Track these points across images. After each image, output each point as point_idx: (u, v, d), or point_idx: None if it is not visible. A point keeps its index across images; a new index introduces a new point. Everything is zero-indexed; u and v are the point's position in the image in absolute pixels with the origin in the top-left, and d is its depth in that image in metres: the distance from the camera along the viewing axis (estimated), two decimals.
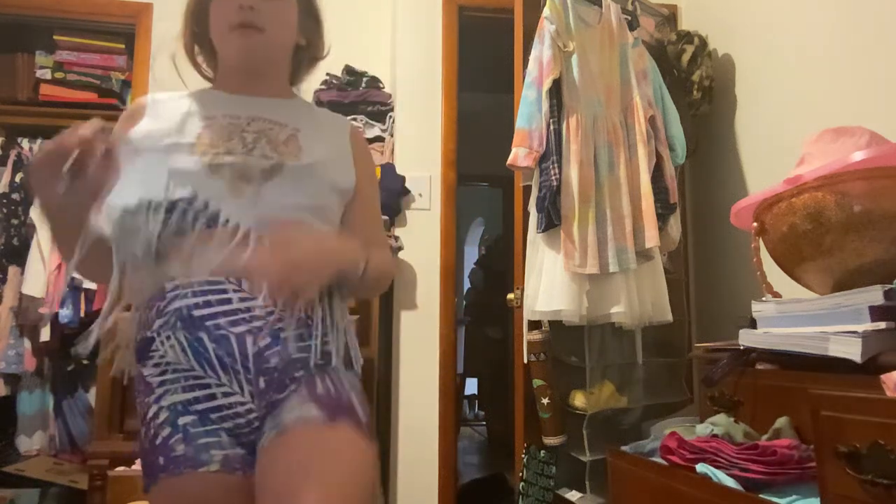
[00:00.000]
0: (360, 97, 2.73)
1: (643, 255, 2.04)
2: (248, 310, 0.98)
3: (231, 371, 0.98)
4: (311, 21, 1.21)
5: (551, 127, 1.96)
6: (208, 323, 0.97)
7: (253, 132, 1.09)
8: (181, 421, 0.97)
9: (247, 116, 1.11)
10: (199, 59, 1.21)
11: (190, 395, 0.98)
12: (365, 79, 2.77)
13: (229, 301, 0.98)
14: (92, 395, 2.75)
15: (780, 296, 1.45)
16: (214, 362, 0.97)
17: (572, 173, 1.94)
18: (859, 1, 1.84)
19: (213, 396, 0.99)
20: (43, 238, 2.70)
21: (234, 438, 0.99)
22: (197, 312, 0.97)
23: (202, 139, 1.07)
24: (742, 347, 1.41)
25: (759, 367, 1.38)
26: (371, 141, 2.72)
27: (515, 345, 2.16)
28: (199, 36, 1.17)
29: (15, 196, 2.80)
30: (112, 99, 2.99)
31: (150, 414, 0.99)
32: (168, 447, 0.96)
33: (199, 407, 0.98)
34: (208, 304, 0.98)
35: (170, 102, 1.14)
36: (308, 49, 1.23)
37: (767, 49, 2.24)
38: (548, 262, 1.95)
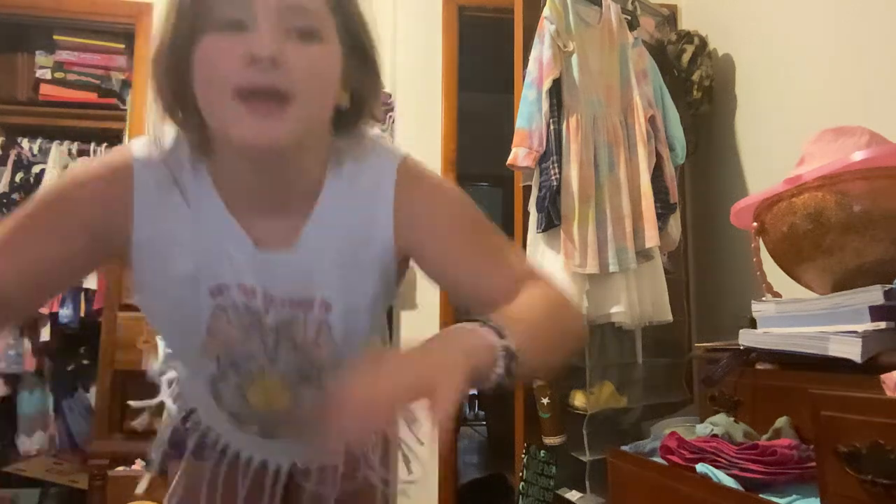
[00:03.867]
0: None
1: (643, 254, 2.04)
2: None
3: None
4: (362, 66, 0.78)
5: (551, 127, 1.96)
6: None
7: (273, 326, 0.80)
8: None
9: (262, 290, 0.79)
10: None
11: None
12: None
13: None
14: (92, 395, 2.75)
15: (780, 296, 1.45)
16: None
17: (572, 173, 1.94)
18: (859, 1, 1.84)
19: None
20: None
21: None
22: None
23: (213, 332, 0.80)
24: (742, 347, 1.41)
25: (759, 367, 1.37)
26: None
27: None
28: (181, 95, 0.71)
29: (15, 196, 2.80)
30: (112, 99, 2.99)
31: None
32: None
33: None
34: None
35: (162, 196, 0.76)
36: (355, 109, 0.79)
37: (767, 49, 2.23)
38: (548, 262, 1.95)
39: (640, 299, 2.02)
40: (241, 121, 0.66)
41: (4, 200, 2.78)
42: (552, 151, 1.94)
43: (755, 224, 1.44)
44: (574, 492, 1.99)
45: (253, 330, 0.79)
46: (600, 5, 2.15)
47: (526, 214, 2.08)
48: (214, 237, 0.76)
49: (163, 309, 0.82)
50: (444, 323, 2.64)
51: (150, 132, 0.77)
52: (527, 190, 2.07)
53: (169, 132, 0.77)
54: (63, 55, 2.96)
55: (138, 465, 2.08)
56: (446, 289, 0.87)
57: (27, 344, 2.74)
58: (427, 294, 2.65)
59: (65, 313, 2.66)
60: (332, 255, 0.79)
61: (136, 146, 0.78)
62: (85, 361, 2.81)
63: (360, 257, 0.80)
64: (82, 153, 2.98)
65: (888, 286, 1.11)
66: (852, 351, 1.09)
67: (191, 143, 0.75)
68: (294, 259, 0.78)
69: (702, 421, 1.42)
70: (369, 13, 0.81)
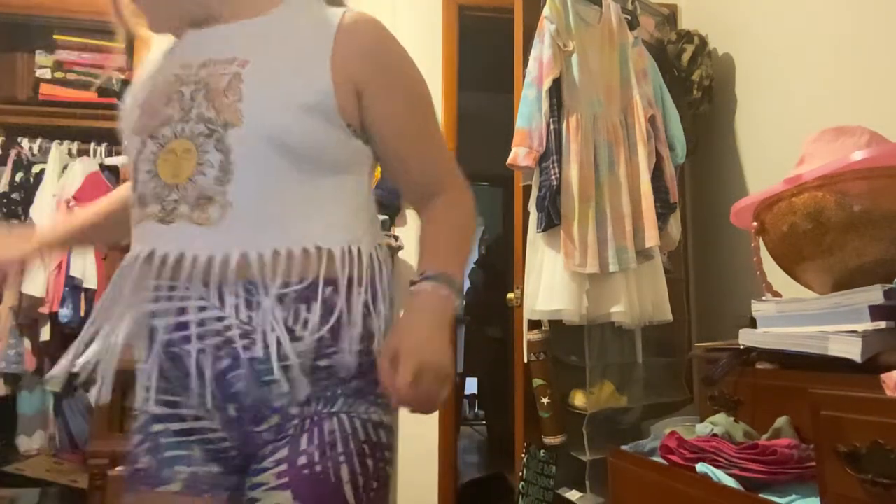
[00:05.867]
0: None
1: (643, 254, 2.04)
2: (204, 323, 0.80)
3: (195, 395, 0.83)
4: None
5: (551, 126, 1.96)
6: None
7: (193, 83, 0.85)
8: (153, 428, 0.87)
9: (199, 62, 0.86)
10: None
11: (160, 411, 0.87)
12: None
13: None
14: (92, 395, 2.75)
15: (780, 295, 1.45)
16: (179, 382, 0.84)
17: (572, 173, 1.94)
18: (859, 1, 1.84)
19: (182, 418, 0.86)
20: None
21: (207, 454, 0.86)
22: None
23: (142, 108, 0.88)
24: (742, 347, 1.41)
25: (759, 366, 1.37)
26: None
27: (515, 344, 2.16)
28: None
29: (15, 196, 2.80)
30: (112, 98, 2.99)
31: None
32: (133, 457, 0.88)
33: (173, 427, 0.87)
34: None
35: (151, 55, 0.95)
36: None
37: (767, 49, 2.24)
38: (548, 262, 1.95)
39: (640, 299, 2.02)
40: None
41: (4, 200, 2.78)
42: (552, 151, 1.94)
43: (755, 224, 1.44)
44: (574, 492, 1.99)
45: (174, 95, 0.85)
46: (600, 5, 2.15)
47: (526, 214, 2.08)
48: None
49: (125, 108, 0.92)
50: None
51: None
52: (527, 189, 2.07)
53: None
54: (63, 55, 2.96)
55: None
56: (384, 161, 0.94)
57: (27, 344, 2.74)
58: None
59: (65, 313, 2.66)
60: (270, 44, 0.87)
61: None
62: None
63: (296, 50, 0.86)
64: (82, 153, 2.98)
65: (888, 286, 1.11)
66: (852, 351, 1.09)
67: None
68: (230, 29, 0.89)
69: (702, 421, 1.42)
70: None
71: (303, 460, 0.80)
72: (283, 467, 0.80)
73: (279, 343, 0.79)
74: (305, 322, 0.81)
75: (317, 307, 0.81)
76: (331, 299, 0.82)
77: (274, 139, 0.81)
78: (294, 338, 0.80)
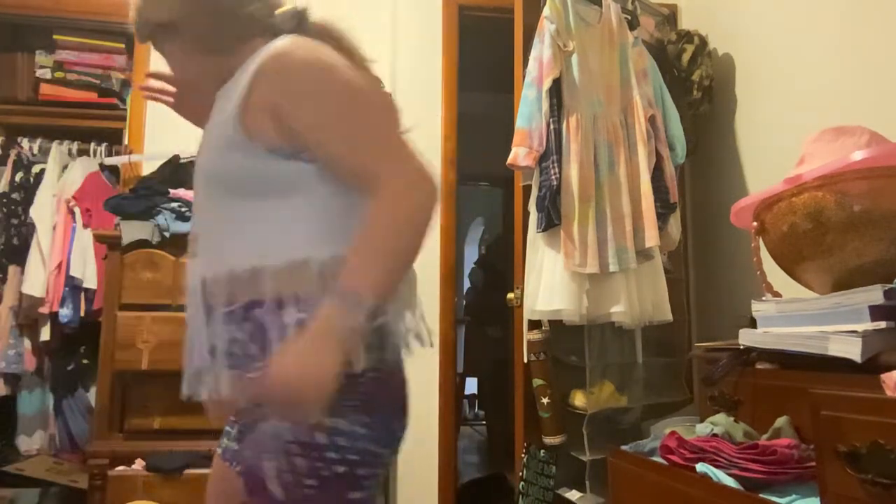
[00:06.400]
0: None
1: (643, 254, 2.04)
2: None
3: None
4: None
5: (551, 126, 1.96)
6: None
7: None
8: None
9: None
10: None
11: None
12: None
13: None
14: (92, 395, 2.75)
15: (780, 295, 1.45)
16: None
17: (572, 173, 1.94)
18: (859, 1, 1.84)
19: None
20: (43, 237, 2.70)
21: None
22: None
23: None
24: (742, 347, 1.41)
25: (759, 366, 1.38)
26: None
27: (515, 344, 2.16)
28: None
29: (15, 196, 2.80)
30: (112, 99, 2.99)
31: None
32: None
33: None
34: None
35: None
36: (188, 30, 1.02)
37: (767, 49, 2.24)
38: (548, 262, 1.95)
39: (640, 299, 2.02)
40: None
41: (4, 200, 2.78)
42: (552, 151, 1.94)
43: (755, 224, 1.44)
44: (574, 492, 1.99)
45: None
46: (600, 5, 2.15)
47: (526, 214, 2.08)
48: None
49: None
50: (445, 322, 2.64)
51: None
52: (527, 190, 2.07)
53: None
54: (63, 55, 2.96)
55: (138, 464, 2.08)
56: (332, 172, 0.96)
57: (27, 344, 2.74)
58: (427, 294, 2.65)
59: (65, 313, 2.66)
60: (211, 128, 1.00)
61: None
62: (85, 361, 2.80)
63: (218, 129, 0.97)
64: (82, 153, 2.98)
65: (888, 286, 1.11)
66: (852, 351, 1.09)
67: None
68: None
69: (702, 421, 1.42)
70: None
71: (247, 454, 0.93)
72: (238, 459, 0.97)
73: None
74: (238, 339, 0.91)
75: (248, 326, 0.90)
76: (260, 318, 0.90)
77: (209, 175, 0.97)
78: (231, 353, 0.91)
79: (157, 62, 1.18)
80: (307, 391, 0.83)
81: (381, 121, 0.98)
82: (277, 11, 1.06)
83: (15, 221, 2.79)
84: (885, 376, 0.98)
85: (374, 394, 0.94)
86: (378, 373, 0.94)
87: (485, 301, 5.14)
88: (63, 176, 2.85)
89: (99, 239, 2.40)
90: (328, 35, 1.03)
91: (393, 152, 0.94)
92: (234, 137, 0.93)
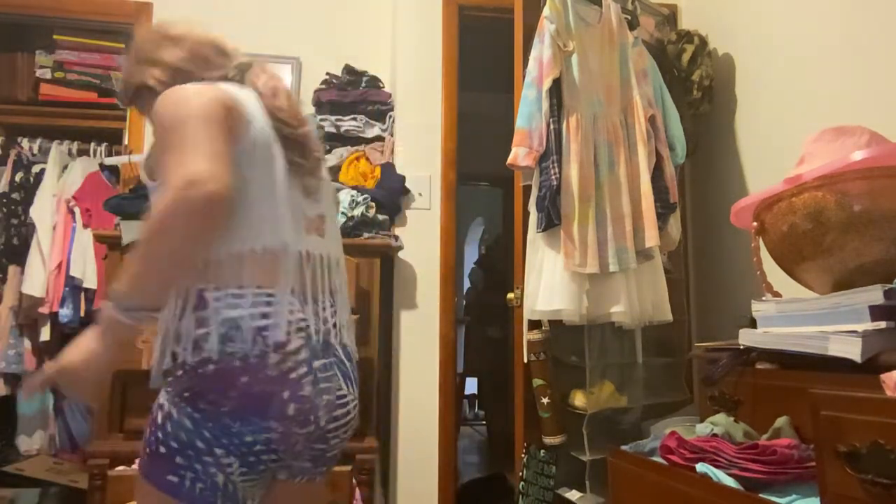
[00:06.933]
0: (361, 97, 2.73)
1: (643, 254, 2.04)
2: None
3: None
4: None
5: (551, 126, 1.96)
6: None
7: None
8: None
9: None
10: None
11: None
12: (365, 78, 2.77)
13: None
14: None
15: (780, 295, 1.45)
16: None
17: (572, 173, 1.94)
18: (859, 1, 1.84)
19: None
20: (43, 237, 2.70)
21: None
22: None
23: None
24: (742, 347, 1.41)
25: (758, 366, 1.38)
26: (371, 140, 2.72)
27: (515, 344, 2.16)
28: None
29: (15, 196, 2.80)
30: (112, 99, 2.99)
31: None
32: None
33: None
34: None
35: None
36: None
37: (767, 49, 2.24)
38: (548, 262, 1.95)
39: (640, 299, 2.02)
40: None
41: (4, 200, 2.78)
42: (552, 151, 1.94)
43: (755, 224, 1.44)
44: (574, 492, 1.99)
45: None
46: (600, 5, 2.15)
47: (526, 214, 2.08)
48: None
49: None
50: (445, 322, 2.64)
51: None
52: (527, 190, 2.07)
53: None
54: (63, 55, 2.96)
55: (138, 464, 2.08)
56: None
57: (27, 344, 2.74)
58: (427, 294, 2.65)
59: (65, 313, 2.66)
60: None
61: None
62: None
63: None
64: (82, 153, 2.98)
65: (888, 286, 1.11)
66: (852, 351, 1.09)
67: None
68: None
69: (702, 421, 1.42)
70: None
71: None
72: None
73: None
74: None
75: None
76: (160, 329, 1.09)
77: None
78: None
79: None
80: (75, 376, 1.03)
81: (181, 131, 1.01)
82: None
83: (15, 221, 2.79)
84: (885, 376, 0.98)
85: (207, 388, 1.02)
86: (218, 367, 1.01)
87: (485, 301, 5.15)
88: (63, 176, 2.85)
89: (99, 239, 2.40)
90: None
91: (175, 160, 0.97)
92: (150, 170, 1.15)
